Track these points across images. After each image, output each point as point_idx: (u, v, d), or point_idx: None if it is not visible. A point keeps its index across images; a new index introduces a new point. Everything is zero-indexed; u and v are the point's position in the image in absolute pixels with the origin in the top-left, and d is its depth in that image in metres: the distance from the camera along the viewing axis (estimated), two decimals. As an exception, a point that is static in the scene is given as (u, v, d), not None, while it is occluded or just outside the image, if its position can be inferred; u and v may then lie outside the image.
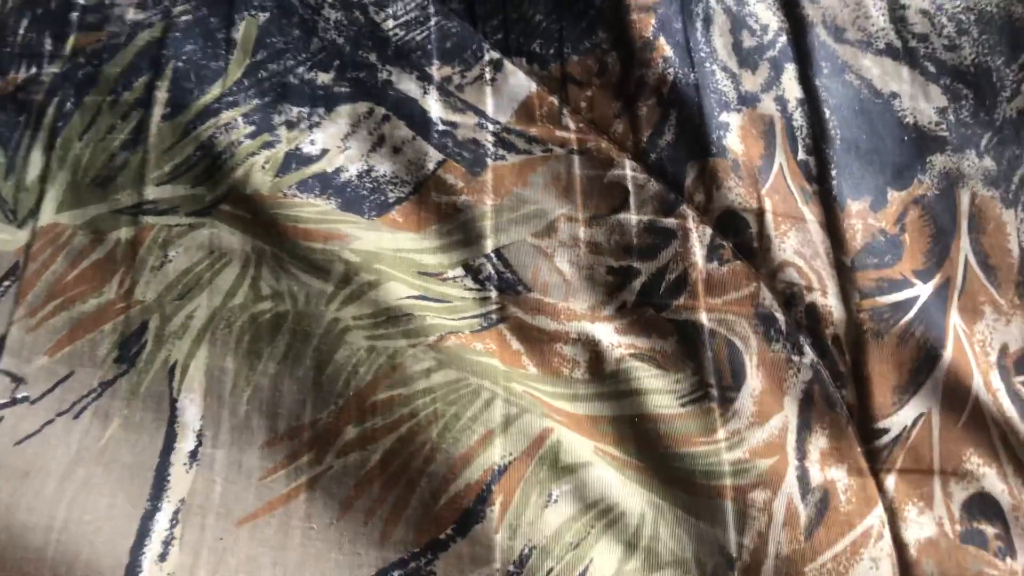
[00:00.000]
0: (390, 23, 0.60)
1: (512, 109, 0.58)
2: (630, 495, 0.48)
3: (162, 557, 0.45)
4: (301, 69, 0.59)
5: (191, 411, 0.50)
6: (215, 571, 0.46)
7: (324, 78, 0.59)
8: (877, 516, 0.48)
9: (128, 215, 0.55)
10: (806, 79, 0.60)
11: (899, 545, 0.48)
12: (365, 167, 0.57)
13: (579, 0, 0.60)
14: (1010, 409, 0.52)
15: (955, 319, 0.54)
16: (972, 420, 0.52)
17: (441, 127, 0.57)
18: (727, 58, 0.60)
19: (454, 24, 0.60)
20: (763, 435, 0.50)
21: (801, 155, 0.58)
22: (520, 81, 0.59)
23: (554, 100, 0.58)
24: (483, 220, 0.55)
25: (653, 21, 0.59)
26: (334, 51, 0.60)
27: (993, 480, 0.50)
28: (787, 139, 0.58)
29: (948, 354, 0.52)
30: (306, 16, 0.61)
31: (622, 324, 0.53)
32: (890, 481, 0.50)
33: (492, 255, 0.54)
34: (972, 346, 0.54)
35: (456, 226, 0.55)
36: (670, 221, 0.55)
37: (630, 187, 0.56)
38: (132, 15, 0.60)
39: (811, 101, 0.59)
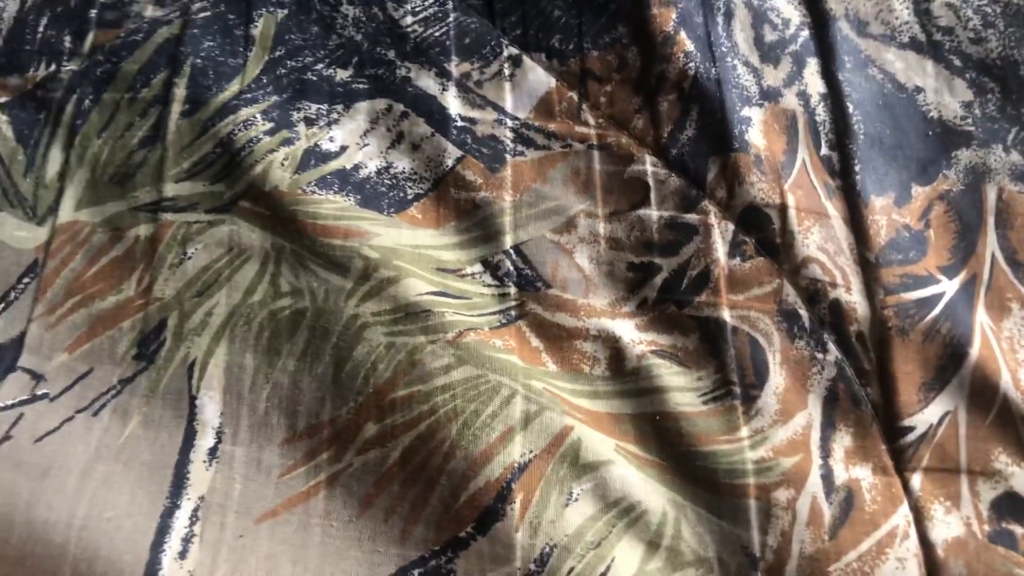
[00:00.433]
0: (408, 19, 0.60)
1: (531, 105, 0.58)
2: (652, 494, 0.47)
3: (182, 555, 0.45)
4: (320, 66, 0.59)
5: (210, 408, 0.50)
6: (235, 568, 0.46)
7: (343, 75, 0.59)
8: (903, 515, 0.48)
9: (147, 212, 0.55)
10: (829, 73, 0.60)
11: (926, 545, 0.47)
12: (384, 164, 0.56)
13: (599, -5, 0.60)
14: (1039, 407, 0.51)
15: (982, 316, 0.53)
16: (1000, 418, 0.51)
17: (460, 123, 0.57)
18: (748, 52, 0.60)
19: (473, 20, 0.60)
20: (787, 433, 0.49)
21: (824, 150, 0.57)
22: (539, 77, 0.59)
23: (573, 96, 0.58)
24: (502, 216, 0.55)
25: (674, 15, 0.58)
26: (352, 48, 0.60)
27: (1022, 479, 0.49)
28: (810, 134, 0.58)
29: (975, 351, 0.52)
30: (324, 12, 0.60)
31: (643, 321, 0.53)
32: (916, 480, 0.49)
33: (511, 251, 0.54)
34: (999, 343, 0.53)
35: (475, 222, 0.55)
36: (691, 217, 0.54)
37: (651, 182, 0.55)
38: (151, 12, 0.60)
39: (834, 96, 0.59)
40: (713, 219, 0.54)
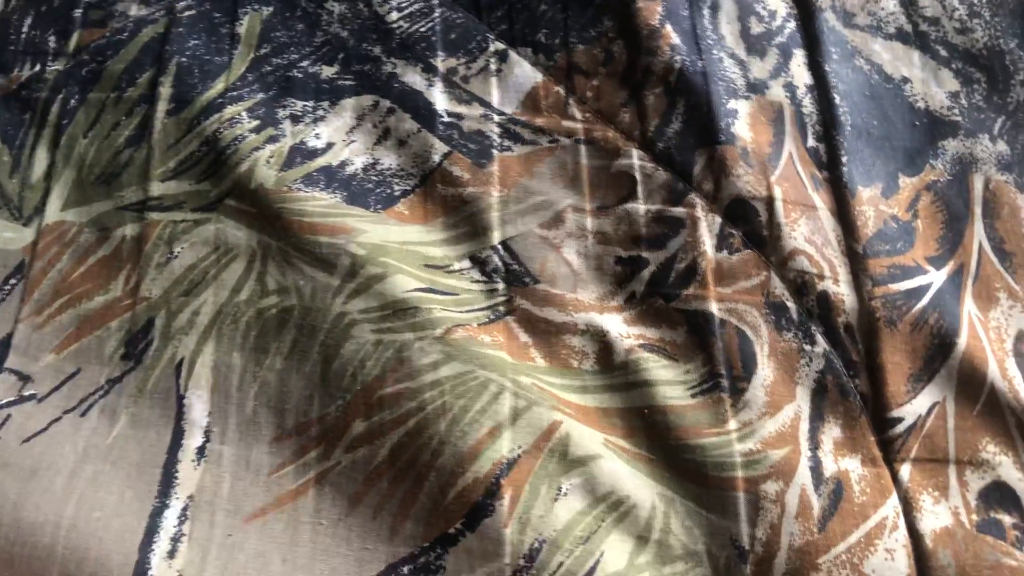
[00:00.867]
0: (394, 15, 0.60)
1: (518, 100, 0.58)
2: (641, 488, 0.47)
3: (171, 554, 0.45)
4: (305, 63, 0.59)
5: (198, 407, 0.50)
6: (224, 567, 0.45)
7: (328, 71, 0.59)
8: (892, 506, 0.48)
9: (133, 212, 0.55)
10: (815, 65, 0.60)
11: (915, 536, 0.47)
12: (370, 160, 0.56)
13: (584, -12, 0.60)
14: (1027, 396, 0.51)
15: (969, 306, 0.53)
16: (988, 408, 0.51)
17: (447, 119, 0.57)
18: (735, 45, 0.60)
19: (459, 15, 0.60)
20: (775, 425, 0.49)
21: (811, 142, 0.57)
22: (526, 71, 0.58)
23: (560, 90, 0.58)
24: (489, 212, 0.55)
25: (659, 8, 0.58)
26: (338, 44, 0.59)
27: (1010, 468, 0.49)
28: (796, 126, 0.58)
29: (963, 341, 0.52)
30: (310, 9, 0.60)
31: (631, 315, 0.53)
32: (905, 471, 0.49)
33: (499, 247, 0.54)
34: (987, 333, 0.53)
35: (462, 218, 0.55)
36: (679, 210, 0.54)
37: (638, 176, 0.55)
38: (135, 11, 0.60)
39: (821, 87, 0.59)
40: (700, 212, 0.54)
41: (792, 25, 0.61)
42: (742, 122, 0.56)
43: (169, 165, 0.55)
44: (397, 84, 0.58)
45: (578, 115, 0.57)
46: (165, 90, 0.57)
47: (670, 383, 0.50)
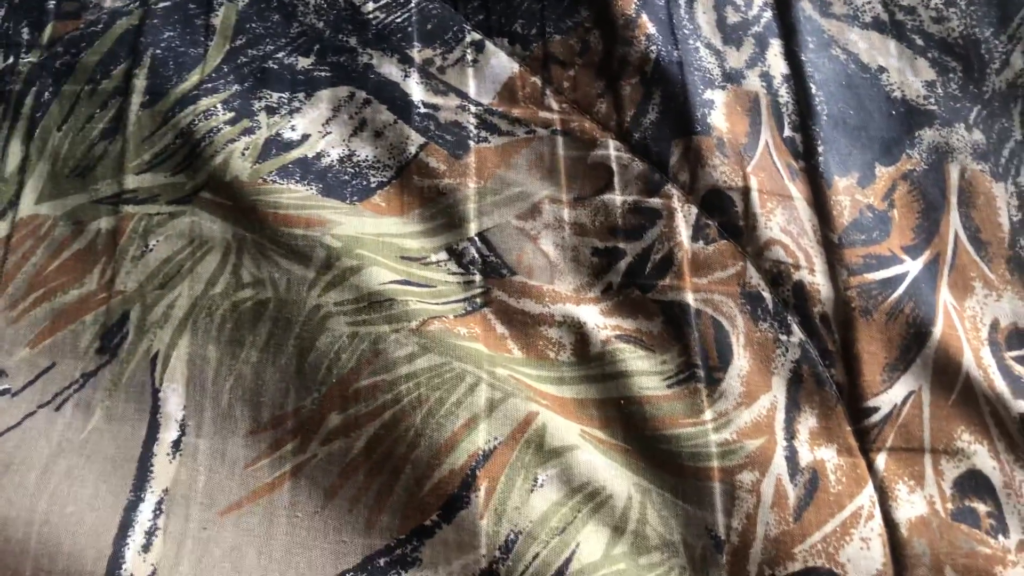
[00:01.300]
0: (370, 6, 0.60)
1: (494, 90, 0.58)
2: (617, 478, 0.47)
3: (146, 548, 0.45)
4: (281, 54, 0.59)
5: (173, 401, 0.49)
6: (199, 561, 0.45)
7: (304, 63, 0.58)
8: (867, 496, 0.48)
9: (108, 205, 0.54)
10: (792, 55, 0.60)
11: (890, 525, 0.47)
12: (346, 152, 0.56)
13: (561, -22, 0.59)
14: (1001, 385, 0.51)
15: (945, 295, 0.53)
16: (963, 397, 0.51)
17: (423, 110, 0.57)
18: (711, 35, 0.60)
19: (435, 5, 0.59)
20: (751, 415, 0.49)
21: (787, 132, 0.57)
22: (502, 62, 0.58)
23: (537, 80, 0.58)
24: (466, 203, 0.54)
25: (636, -2, 0.58)
26: (314, 35, 0.59)
27: (984, 457, 0.49)
28: (773, 116, 0.57)
29: (938, 330, 0.52)
30: (286, 0, 0.60)
31: (608, 306, 0.53)
32: (880, 460, 0.49)
33: (476, 238, 0.54)
34: (963, 322, 0.53)
35: (439, 210, 0.55)
36: (655, 201, 0.54)
37: (614, 167, 0.55)
38: (110, 3, 0.60)
39: (797, 77, 0.59)
40: (676, 203, 0.54)
41: (768, 15, 0.61)
42: (718, 112, 0.56)
43: (144, 158, 0.55)
44: (373, 75, 0.58)
45: (555, 106, 0.57)
46: (140, 82, 0.57)
47: (646, 374, 0.50)
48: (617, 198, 0.54)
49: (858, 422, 0.50)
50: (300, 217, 0.52)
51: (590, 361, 0.51)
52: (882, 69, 0.60)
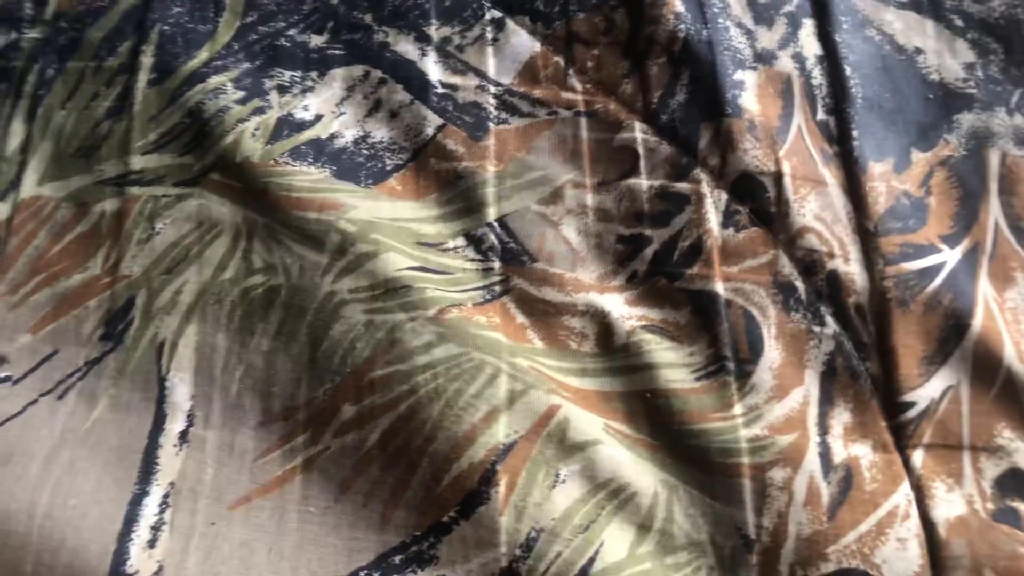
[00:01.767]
0: (386, -19, 0.58)
1: (515, 70, 0.56)
2: (642, 474, 0.46)
3: (151, 543, 0.44)
4: (293, 31, 0.58)
5: (181, 390, 0.49)
6: (207, 557, 0.44)
7: (317, 40, 0.57)
8: (904, 494, 0.46)
9: (113, 186, 0.53)
10: (825, 35, 0.58)
11: (927, 524, 0.46)
12: (361, 133, 0.55)
13: (585, -46, 0.58)
14: (1044, 380, 0.50)
15: (984, 286, 0.52)
16: (1004, 392, 0.49)
17: (440, 90, 0.56)
18: (742, 14, 0.58)
19: (453, -19, 0.58)
20: (783, 410, 0.48)
21: (821, 115, 0.56)
22: (523, 40, 0.57)
23: (559, 60, 0.56)
24: (485, 187, 0.53)
25: (663, -25, 0.57)
26: (327, 12, 0.58)
27: (1026, 455, 0.48)
28: (806, 98, 0.56)
29: (977, 323, 0.50)
30: (298, -24, 0.59)
31: (633, 295, 0.51)
32: (917, 457, 0.48)
33: (495, 224, 0.52)
34: (1003, 314, 0.51)
35: (457, 194, 0.53)
36: (683, 186, 0.53)
37: (640, 150, 0.54)
38: (116, -23, 0.58)
39: (830, 58, 0.57)
40: (705, 188, 0.52)
41: (801, -7, 0.60)
42: (749, 94, 0.55)
43: (150, 137, 0.54)
44: (389, 54, 0.57)
45: (578, 86, 0.56)
46: (147, 59, 0.56)
47: (673, 366, 0.49)
48: (643, 183, 0.53)
49: (894, 417, 0.49)
50: (313, 200, 0.51)
51: (614, 352, 0.50)
52: (919, 51, 0.59)
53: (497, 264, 0.52)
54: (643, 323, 0.50)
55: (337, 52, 0.57)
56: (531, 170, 0.54)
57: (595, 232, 0.53)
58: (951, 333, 0.50)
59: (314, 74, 0.56)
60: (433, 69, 0.56)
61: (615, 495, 0.45)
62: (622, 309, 0.51)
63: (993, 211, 0.54)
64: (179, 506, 0.46)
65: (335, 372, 0.48)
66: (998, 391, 0.49)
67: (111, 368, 0.49)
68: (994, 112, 0.57)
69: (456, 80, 0.56)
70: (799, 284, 0.51)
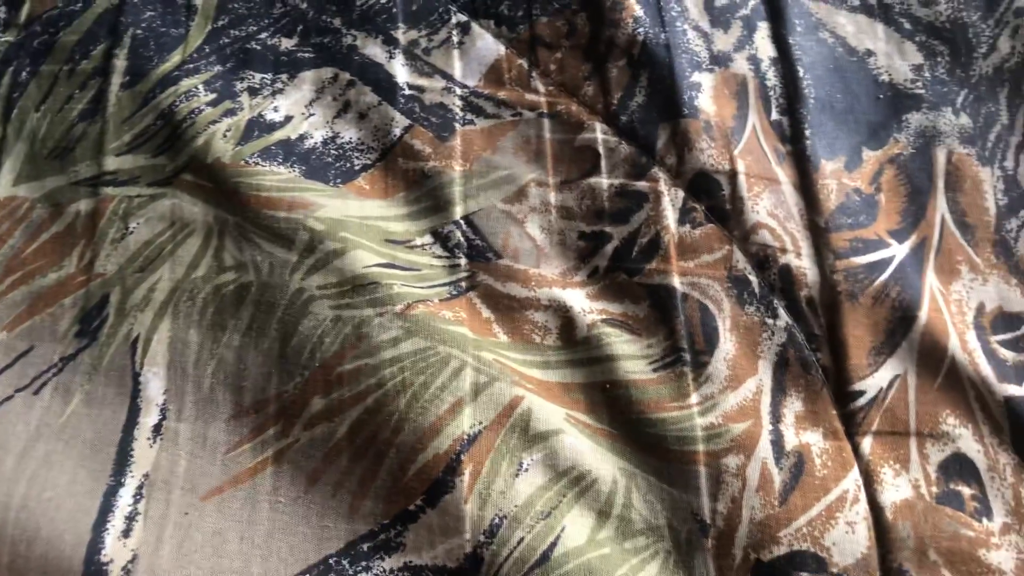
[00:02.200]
0: (354, -14, 0.59)
1: (480, 72, 0.57)
2: (602, 462, 0.47)
3: (125, 533, 0.45)
4: (264, 35, 0.58)
5: (154, 385, 0.49)
6: (180, 546, 0.45)
7: (287, 43, 0.58)
8: (853, 480, 0.48)
9: (87, 187, 0.54)
10: (779, 38, 0.59)
11: (875, 508, 0.47)
12: (330, 134, 0.55)
13: (548, -40, 0.59)
14: (986, 369, 0.51)
15: (931, 279, 0.53)
16: (948, 381, 0.51)
17: (408, 92, 0.56)
18: (699, 17, 0.59)
19: (420, -14, 0.59)
20: (737, 399, 0.49)
21: (775, 115, 0.57)
22: (488, 44, 0.58)
23: (523, 63, 0.57)
24: (452, 186, 0.54)
25: (623, -20, 0.58)
26: (297, 16, 0.58)
27: (969, 441, 0.49)
28: (760, 99, 0.57)
29: (924, 314, 0.52)
30: (268, -20, 0.59)
31: (594, 290, 0.52)
32: (866, 444, 0.49)
33: (461, 222, 0.53)
34: (948, 306, 0.53)
35: (424, 193, 0.54)
36: (642, 184, 0.54)
37: (601, 150, 0.55)
38: (89, -19, 0.59)
39: (785, 60, 0.58)
40: (663, 186, 0.53)
41: (756, -3, 0.61)
42: (705, 95, 0.56)
43: (124, 139, 0.55)
44: (357, 56, 0.57)
45: (541, 88, 0.57)
46: (120, 62, 0.56)
47: (632, 357, 0.50)
48: (604, 181, 0.54)
49: (844, 406, 0.50)
50: (283, 199, 0.52)
51: (576, 345, 0.51)
52: (870, 52, 0.60)
53: (463, 261, 0.52)
54: (604, 317, 0.51)
55: (307, 55, 0.57)
56: (496, 169, 0.55)
57: (558, 229, 0.54)
58: (899, 324, 0.51)
59: (284, 76, 0.57)
60: (401, 71, 0.57)
61: (576, 483, 0.46)
62: (584, 303, 0.51)
63: (940, 207, 0.56)
64: (153, 497, 0.46)
65: (304, 366, 0.48)
66: (943, 380, 0.51)
67: (86, 364, 0.49)
68: (941, 112, 0.58)
69: (423, 82, 0.57)
70: (753, 278, 0.52)
